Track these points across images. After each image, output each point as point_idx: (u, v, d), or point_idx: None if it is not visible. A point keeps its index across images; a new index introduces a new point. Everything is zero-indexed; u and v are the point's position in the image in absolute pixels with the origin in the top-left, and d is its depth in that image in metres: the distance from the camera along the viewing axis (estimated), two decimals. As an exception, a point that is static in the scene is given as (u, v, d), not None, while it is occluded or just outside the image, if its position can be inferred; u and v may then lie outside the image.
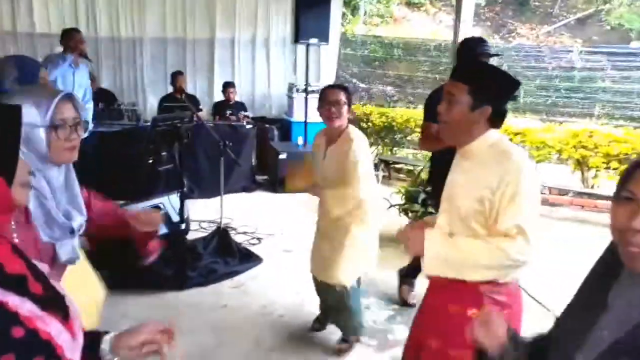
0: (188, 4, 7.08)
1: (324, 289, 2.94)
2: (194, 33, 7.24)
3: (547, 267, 3.72)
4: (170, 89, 6.38)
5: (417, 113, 7.82)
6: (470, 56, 2.94)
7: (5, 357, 0.84)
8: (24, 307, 0.90)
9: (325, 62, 7.54)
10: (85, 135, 1.57)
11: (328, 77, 7.66)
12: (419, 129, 5.86)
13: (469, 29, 4.21)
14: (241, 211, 5.42)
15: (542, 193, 6.30)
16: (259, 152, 6.79)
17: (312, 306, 3.52)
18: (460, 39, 4.15)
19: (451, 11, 16.90)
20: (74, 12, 6.62)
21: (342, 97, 2.65)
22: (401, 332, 3.15)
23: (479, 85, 1.63)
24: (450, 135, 1.73)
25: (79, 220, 1.53)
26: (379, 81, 11.04)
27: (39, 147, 1.35)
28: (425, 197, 4.44)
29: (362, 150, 2.63)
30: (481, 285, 1.67)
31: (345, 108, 2.65)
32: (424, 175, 4.91)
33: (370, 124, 7.64)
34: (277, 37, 7.54)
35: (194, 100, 5.93)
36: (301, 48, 6.82)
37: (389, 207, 4.94)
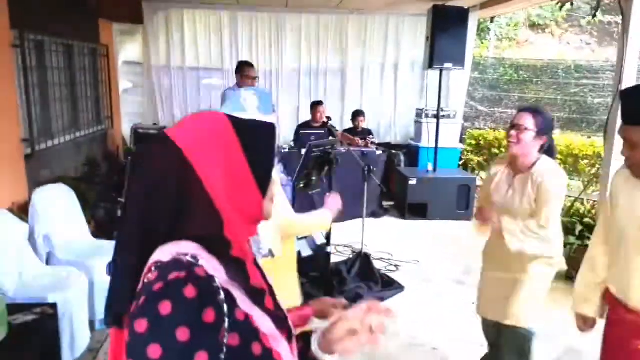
0: (321, 33, 7.33)
1: (496, 329, 2.67)
2: (326, 62, 7.46)
3: None
4: (305, 118, 6.60)
5: (555, 138, 7.36)
6: None
7: None
8: (264, 324, 0.91)
9: (454, 87, 7.38)
10: None
11: (458, 102, 7.48)
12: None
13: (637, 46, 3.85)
14: (372, 237, 5.40)
15: None
16: (385, 178, 6.75)
17: (463, 342, 3.36)
18: (629, 58, 3.83)
19: (579, 32, 15.91)
20: (219, 49, 7.17)
21: (527, 121, 2.38)
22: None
23: None
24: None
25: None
26: (506, 105, 10.61)
27: None
28: (582, 229, 4.10)
29: (557, 187, 2.39)
30: None
31: (528, 135, 2.38)
32: (579, 205, 4.55)
33: (503, 149, 7.31)
34: (406, 63, 7.54)
35: (332, 128, 6.07)
36: (432, 73, 6.74)
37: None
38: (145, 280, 0.84)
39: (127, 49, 7.09)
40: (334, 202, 2.39)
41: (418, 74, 7.61)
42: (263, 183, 0.97)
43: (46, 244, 3.30)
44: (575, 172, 6.75)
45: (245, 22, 7.12)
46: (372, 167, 4.26)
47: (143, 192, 0.92)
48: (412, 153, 7.36)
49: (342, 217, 5.97)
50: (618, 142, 4.14)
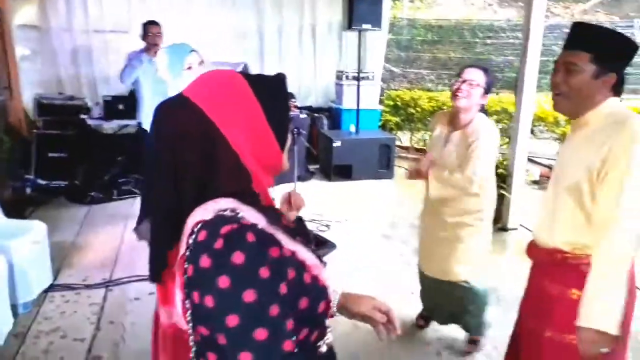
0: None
1: (443, 286, 2.77)
2: (244, 24, 7.25)
3: None
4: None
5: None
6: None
7: (302, 300, 0.93)
8: (306, 256, 0.98)
9: (372, 48, 7.48)
10: None
11: (376, 63, 7.61)
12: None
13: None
14: (302, 199, 5.46)
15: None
16: (309, 141, 6.80)
17: (395, 290, 3.54)
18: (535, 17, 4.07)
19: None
20: (127, 10, 6.71)
21: (478, 76, 2.47)
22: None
23: (603, 52, 1.55)
24: (567, 107, 1.66)
25: None
26: (419, 65, 10.97)
27: None
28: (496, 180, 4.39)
29: (491, 145, 2.48)
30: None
31: (478, 90, 2.47)
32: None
33: (418, 109, 7.59)
34: (324, 24, 7.51)
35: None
36: (350, 34, 6.78)
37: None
38: (193, 241, 0.87)
39: (22, 11, 6.42)
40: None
41: (336, 36, 7.62)
42: (281, 135, 1.01)
43: (-47, 227, 3.01)
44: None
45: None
46: (300, 130, 4.27)
47: (170, 157, 0.94)
48: (333, 115, 7.43)
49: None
50: (527, 99, 4.45)
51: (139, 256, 4.06)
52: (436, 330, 3.10)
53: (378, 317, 1.12)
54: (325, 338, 1.04)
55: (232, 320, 0.81)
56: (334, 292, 1.09)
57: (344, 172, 6.49)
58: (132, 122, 5.57)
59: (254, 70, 7.25)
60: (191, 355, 0.94)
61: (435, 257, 2.76)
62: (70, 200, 5.33)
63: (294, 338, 0.88)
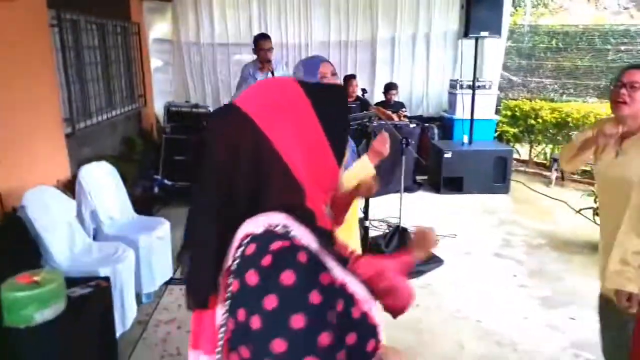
0: (351, 5, 7.20)
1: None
2: (356, 35, 7.34)
3: None
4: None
5: (596, 107, 7.09)
6: None
7: (350, 336, 0.85)
8: (357, 289, 0.90)
9: (489, 56, 7.17)
10: None
11: (494, 72, 7.28)
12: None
13: None
14: (408, 211, 5.35)
15: None
16: (418, 152, 6.66)
17: (506, 314, 3.33)
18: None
19: (618, -5, 15.21)
20: (248, 23, 7.12)
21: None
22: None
23: None
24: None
25: None
26: (541, 74, 10.30)
27: None
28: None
29: None
30: None
31: None
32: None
33: (539, 120, 7.10)
34: (438, 33, 7.36)
35: (367, 102, 5.98)
36: (466, 43, 6.55)
37: (579, 211, 4.51)
38: (240, 254, 0.82)
39: (157, 27, 7.09)
40: (380, 141, 2.25)
41: (450, 44, 7.41)
42: (338, 150, 0.93)
43: (93, 219, 3.37)
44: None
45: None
46: (409, 140, 4.20)
47: (219, 167, 0.89)
48: (445, 125, 7.22)
49: (376, 192, 6.00)
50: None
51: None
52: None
53: None
54: None
55: (279, 346, 0.75)
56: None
57: (455, 185, 6.26)
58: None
59: (364, 81, 7.31)
60: None
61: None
62: (192, 200, 5.71)
63: None
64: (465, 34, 5.95)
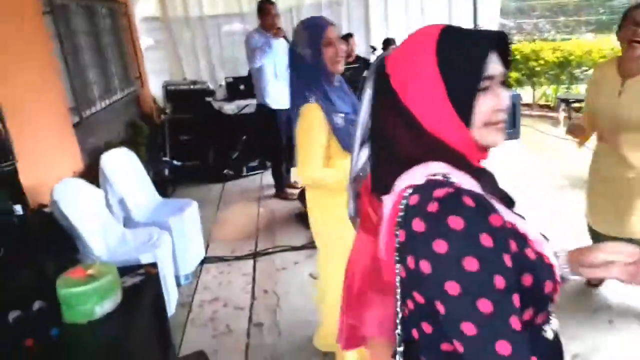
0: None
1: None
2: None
3: None
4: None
5: (595, 43, 7.01)
6: None
7: (526, 277, 0.81)
8: (528, 230, 0.86)
9: (484, 2, 7.01)
10: None
11: (491, 18, 7.14)
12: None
13: None
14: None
15: None
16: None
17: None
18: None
19: None
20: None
21: None
22: None
23: None
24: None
25: None
26: (536, 15, 10.19)
27: None
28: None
29: None
30: None
31: None
32: None
33: (541, 61, 7.01)
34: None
35: (366, 61, 5.86)
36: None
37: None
38: (404, 205, 0.81)
39: (144, 5, 6.84)
40: None
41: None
42: (463, 111, 0.84)
43: (122, 208, 3.30)
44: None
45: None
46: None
47: (379, 125, 0.93)
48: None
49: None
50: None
51: (277, 228, 4.22)
52: (606, 296, 2.87)
53: (625, 255, 0.92)
54: (551, 322, 0.93)
55: (453, 288, 0.74)
56: (562, 252, 0.99)
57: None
58: (252, 102, 5.74)
59: (359, 38, 7.13)
60: (397, 322, 0.89)
61: (613, 213, 2.52)
62: (205, 178, 5.64)
63: (521, 316, 0.78)
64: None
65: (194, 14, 6.90)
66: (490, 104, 0.86)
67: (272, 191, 5.03)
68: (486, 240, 0.74)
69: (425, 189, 0.80)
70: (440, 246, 0.74)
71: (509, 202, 0.90)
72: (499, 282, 0.74)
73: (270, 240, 4.00)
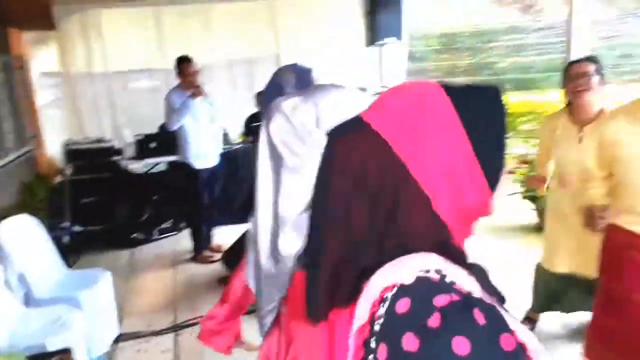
0: (256, 21, 7.04)
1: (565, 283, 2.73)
2: (261, 49, 7.21)
3: None
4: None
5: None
6: None
7: None
8: (528, 338, 0.72)
9: (392, 63, 7.42)
10: None
11: (398, 77, 7.55)
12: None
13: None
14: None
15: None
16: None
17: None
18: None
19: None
20: (145, 49, 6.66)
21: (589, 67, 2.40)
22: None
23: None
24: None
25: None
26: (430, 76, 11.06)
27: None
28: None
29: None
30: None
31: (595, 80, 2.38)
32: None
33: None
34: (342, 43, 7.47)
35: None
36: (371, 50, 6.72)
37: (510, 195, 4.76)
38: (387, 311, 0.66)
39: (43, 59, 6.39)
40: None
41: (355, 53, 7.56)
42: (492, 171, 0.75)
43: (21, 284, 2.87)
44: (514, 129, 7.10)
45: (171, 16, 6.67)
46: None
47: (347, 199, 0.75)
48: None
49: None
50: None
51: (198, 296, 3.92)
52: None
53: None
54: None
55: None
56: None
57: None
58: (164, 159, 5.47)
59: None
60: None
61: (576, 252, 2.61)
62: (111, 244, 5.18)
63: None
64: (372, 42, 6.10)
65: (98, 69, 6.55)
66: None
67: (190, 255, 4.73)
68: None
69: (418, 292, 0.65)
70: None
71: (501, 300, 0.76)
72: None
73: (192, 309, 3.68)
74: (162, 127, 5.39)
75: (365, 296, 0.70)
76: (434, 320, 0.62)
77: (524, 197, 4.63)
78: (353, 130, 0.78)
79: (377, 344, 0.65)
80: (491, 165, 0.76)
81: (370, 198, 0.74)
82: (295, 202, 0.91)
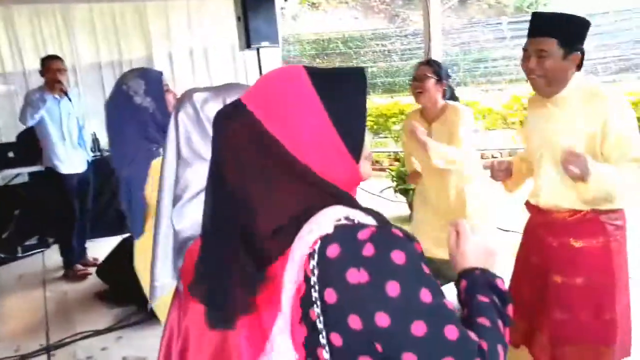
0: (119, 23, 6.73)
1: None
2: (130, 52, 6.90)
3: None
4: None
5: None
6: None
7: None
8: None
9: (269, 66, 7.52)
10: None
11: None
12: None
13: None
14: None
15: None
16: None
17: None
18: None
19: (348, 7, 17.59)
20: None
21: (426, 70, 2.60)
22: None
23: (567, 36, 1.75)
24: (543, 87, 1.83)
25: None
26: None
27: None
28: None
29: (469, 118, 2.64)
30: (601, 214, 1.85)
31: (430, 82, 2.58)
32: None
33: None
34: (217, 46, 7.40)
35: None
36: (248, 54, 6.75)
37: (382, 191, 5.10)
38: (320, 261, 0.73)
39: None
40: None
41: (230, 56, 7.54)
42: (354, 144, 0.82)
43: None
44: (387, 130, 7.60)
45: (23, 18, 6.11)
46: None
47: (235, 177, 0.81)
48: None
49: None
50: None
51: (72, 313, 3.66)
52: None
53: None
54: None
55: (419, 329, 0.69)
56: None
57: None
58: (25, 170, 4.99)
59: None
60: None
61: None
62: (-33, 267, 4.62)
63: None
64: (248, 46, 6.13)
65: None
66: (369, 136, 0.90)
67: (61, 272, 4.37)
68: (425, 268, 0.73)
69: (342, 236, 0.73)
70: (393, 289, 0.69)
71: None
72: (449, 304, 0.73)
73: (66, 328, 3.41)
74: (20, 136, 4.94)
75: (290, 263, 0.75)
76: (367, 250, 0.70)
77: (396, 191, 4.99)
78: (234, 111, 0.84)
79: (322, 291, 0.71)
80: (352, 138, 0.82)
81: (257, 170, 0.80)
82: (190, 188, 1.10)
